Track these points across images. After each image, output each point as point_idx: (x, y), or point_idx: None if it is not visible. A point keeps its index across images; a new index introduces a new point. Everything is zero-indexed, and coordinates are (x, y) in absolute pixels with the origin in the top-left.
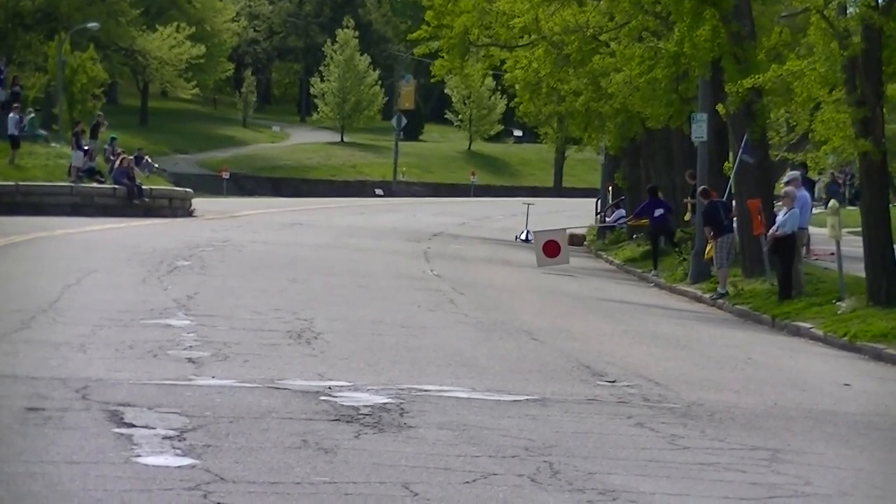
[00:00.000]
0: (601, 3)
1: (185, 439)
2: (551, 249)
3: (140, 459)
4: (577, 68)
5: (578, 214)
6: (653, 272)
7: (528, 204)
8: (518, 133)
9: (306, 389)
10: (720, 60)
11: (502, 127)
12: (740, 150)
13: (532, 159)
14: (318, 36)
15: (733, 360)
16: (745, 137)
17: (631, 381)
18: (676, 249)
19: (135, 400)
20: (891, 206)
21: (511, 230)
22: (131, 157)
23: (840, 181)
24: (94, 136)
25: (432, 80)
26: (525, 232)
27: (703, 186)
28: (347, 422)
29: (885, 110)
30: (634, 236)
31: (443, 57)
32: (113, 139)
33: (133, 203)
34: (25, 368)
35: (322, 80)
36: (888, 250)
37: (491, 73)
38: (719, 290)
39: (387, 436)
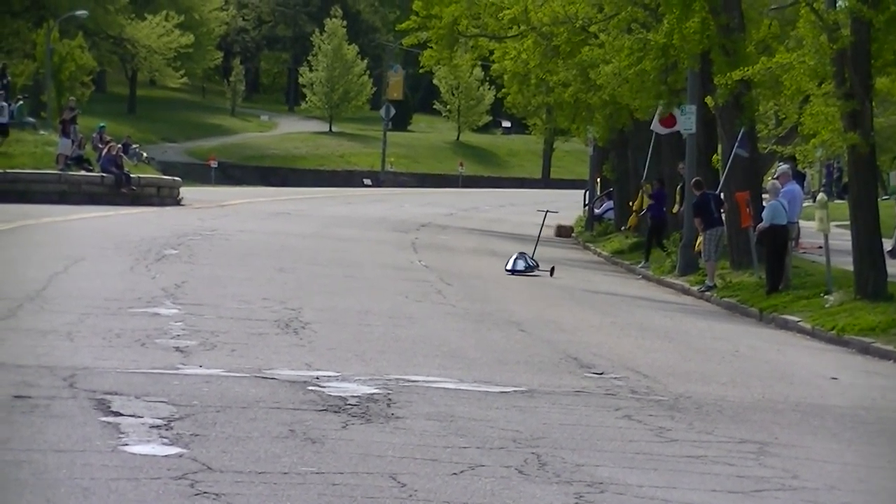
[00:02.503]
0: None
1: (172, 428)
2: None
3: (127, 448)
4: (566, 59)
5: (566, 205)
6: (642, 264)
7: (546, 211)
8: (506, 124)
9: (294, 379)
10: (709, 52)
11: (491, 118)
12: (736, 144)
13: (520, 150)
14: (307, 25)
15: (721, 352)
16: (742, 132)
17: (619, 373)
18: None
19: (122, 388)
20: (878, 199)
21: (499, 221)
22: (119, 146)
23: (835, 167)
24: (72, 123)
25: (421, 71)
26: (522, 258)
27: (696, 178)
28: (335, 412)
29: (873, 104)
30: (623, 228)
31: (431, 47)
32: (101, 127)
33: (121, 191)
34: (12, 356)
35: (310, 70)
36: (876, 244)
37: (479, 63)
38: (707, 282)
39: (374, 426)
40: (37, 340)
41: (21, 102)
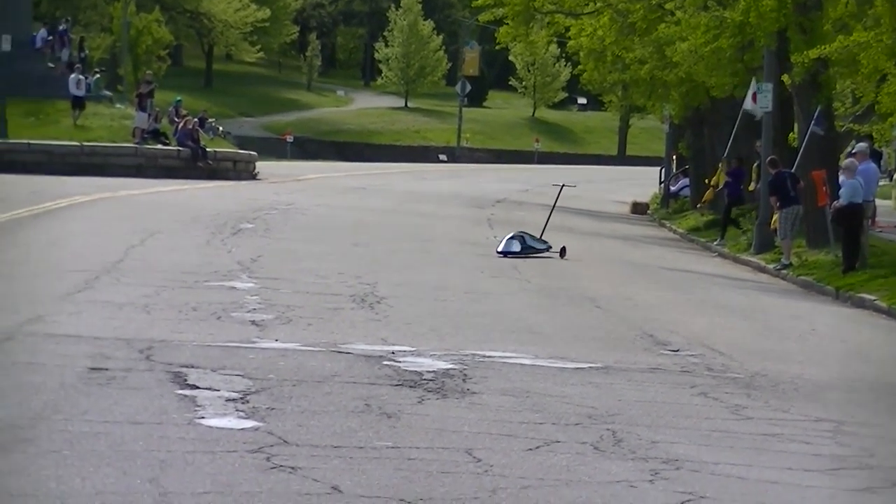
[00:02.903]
0: None
1: (248, 402)
2: None
3: (203, 421)
4: (642, 37)
5: (642, 182)
6: (718, 241)
7: (563, 185)
8: (582, 101)
9: (369, 354)
10: (786, 30)
11: (566, 94)
12: (812, 122)
13: (596, 127)
14: (383, 1)
15: (797, 330)
16: (818, 110)
17: (694, 350)
18: (740, 222)
19: (198, 362)
20: None
21: (574, 198)
22: (195, 120)
23: None
24: (149, 97)
25: (497, 47)
26: (519, 239)
27: (770, 156)
28: (410, 387)
29: None
30: (699, 206)
31: (507, 24)
32: (178, 101)
33: (197, 165)
34: (89, 328)
35: (386, 45)
36: None
37: (555, 40)
38: (783, 260)
39: (450, 401)
40: (113, 313)
41: (98, 76)
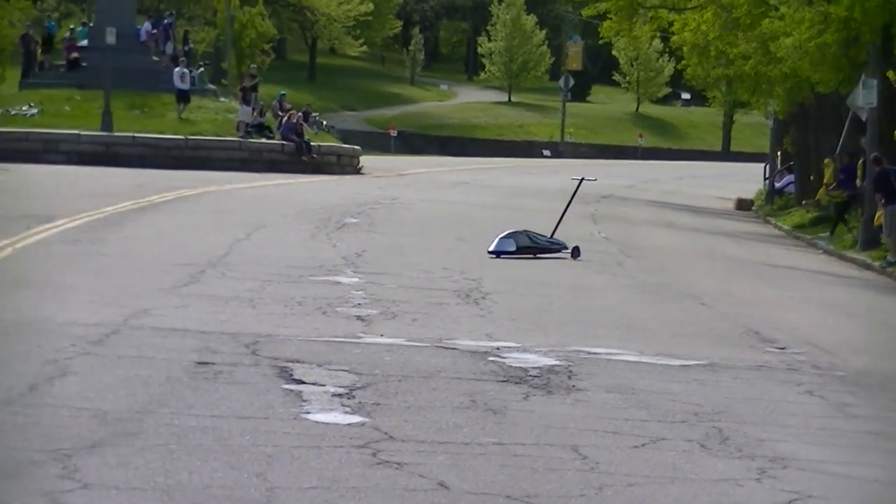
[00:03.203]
0: None
1: (354, 397)
2: None
3: (309, 416)
4: (746, 31)
5: (746, 178)
6: (828, 237)
7: (582, 178)
8: (686, 96)
9: (474, 349)
10: (891, 26)
11: (670, 89)
12: None
13: (700, 122)
14: None
15: None
16: None
17: (800, 348)
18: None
19: (304, 356)
20: None
21: (677, 193)
22: (299, 114)
23: None
24: (253, 90)
25: (600, 42)
26: (513, 238)
27: (874, 154)
28: (516, 383)
29: None
30: (804, 202)
31: (611, 18)
32: (282, 95)
33: (301, 159)
34: (195, 322)
35: (489, 40)
36: None
37: (659, 35)
38: (889, 258)
39: (555, 398)
40: (219, 307)
41: (202, 69)
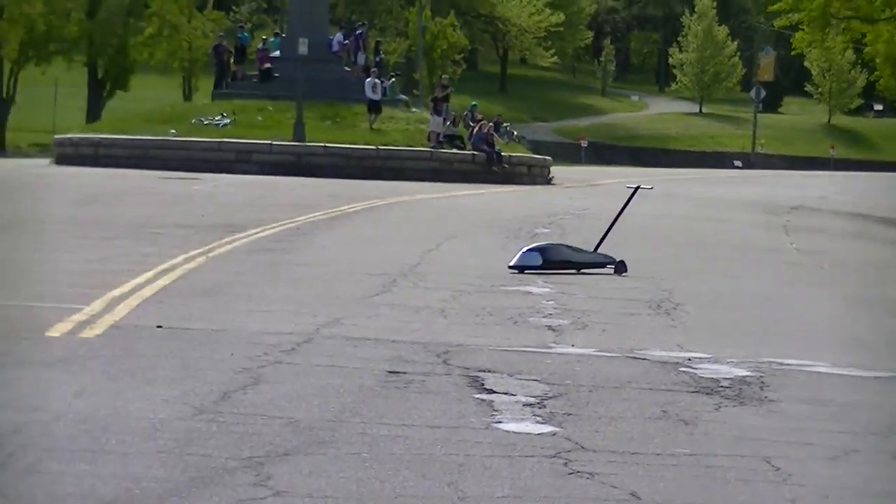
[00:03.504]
0: None
1: (545, 406)
2: None
3: (501, 426)
4: None
5: None
6: None
7: (637, 187)
8: (878, 107)
9: (665, 360)
10: None
11: (862, 101)
12: None
13: (893, 134)
14: (677, 6)
15: None
16: None
17: None
18: None
19: (495, 366)
20: None
21: (875, 206)
22: (490, 124)
23: None
24: (444, 101)
25: (792, 53)
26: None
27: None
28: (707, 394)
29: None
30: None
31: (803, 29)
32: (473, 106)
33: (492, 170)
34: (387, 331)
35: (680, 51)
36: None
37: (852, 46)
38: None
39: (747, 409)
40: (411, 316)
41: (393, 80)
